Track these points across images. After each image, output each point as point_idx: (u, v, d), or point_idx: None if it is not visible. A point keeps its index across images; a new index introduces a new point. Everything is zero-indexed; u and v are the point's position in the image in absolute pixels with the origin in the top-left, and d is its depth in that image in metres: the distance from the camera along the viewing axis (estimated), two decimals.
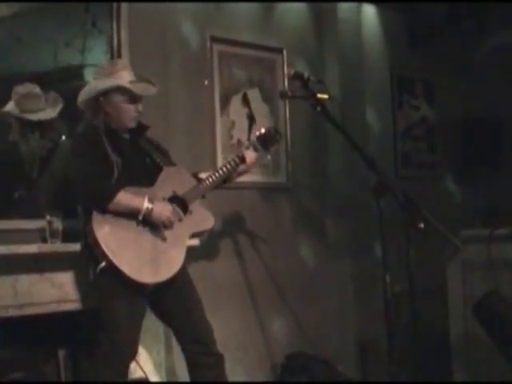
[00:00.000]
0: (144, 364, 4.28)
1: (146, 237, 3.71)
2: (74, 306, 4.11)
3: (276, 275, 5.32)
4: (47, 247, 3.98)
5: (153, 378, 4.31)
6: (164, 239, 3.75)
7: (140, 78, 3.88)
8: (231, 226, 5.14)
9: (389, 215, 3.24)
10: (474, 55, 6.76)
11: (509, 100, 6.52)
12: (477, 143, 6.75)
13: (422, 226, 3.12)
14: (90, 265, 3.70)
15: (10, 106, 4.17)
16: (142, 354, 4.27)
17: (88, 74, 4.64)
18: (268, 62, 5.54)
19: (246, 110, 5.35)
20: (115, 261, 3.56)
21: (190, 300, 3.90)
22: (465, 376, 4.81)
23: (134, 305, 3.69)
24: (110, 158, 3.71)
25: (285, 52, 5.62)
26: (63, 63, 4.45)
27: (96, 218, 3.60)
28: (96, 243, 3.58)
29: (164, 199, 3.79)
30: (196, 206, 3.92)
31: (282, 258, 5.41)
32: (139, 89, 3.81)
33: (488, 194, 6.51)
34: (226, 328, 4.71)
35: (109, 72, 3.83)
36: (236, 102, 5.31)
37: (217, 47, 5.00)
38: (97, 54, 4.62)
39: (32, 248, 3.91)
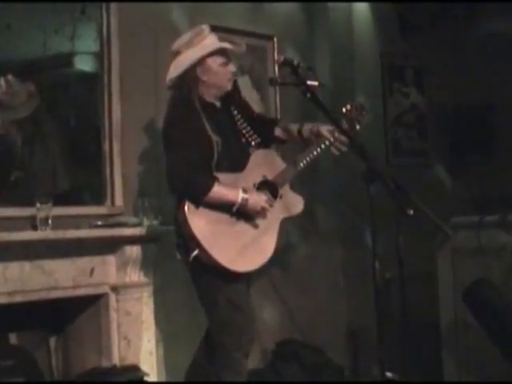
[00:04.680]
0: (134, 351, 4.30)
1: (239, 226, 3.70)
2: (64, 293, 4.11)
3: (266, 262, 5.31)
4: (37, 234, 3.98)
5: (143, 366, 4.32)
6: (256, 227, 3.75)
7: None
8: None
9: (379, 202, 3.25)
10: (464, 43, 6.76)
11: (499, 87, 6.53)
12: (467, 130, 6.75)
13: (412, 212, 3.13)
14: (183, 251, 3.68)
15: None
16: (132, 342, 4.29)
17: (78, 62, 4.63)
18: (258, 50, 5.53)
19: None
20: (211, 251, 3.55)
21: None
22: (454, 363, 4.83)
23: (233, 289, 3.70)
24: (210, 138, 3.68)
25: (275, 39, 5.61)
26: (53, 50, 4.43)
27: (190, 208, 3.58)
28: (190, 233, 3.56)
29: (255, 185, 3.78)
30: (285, 190, 3.90)
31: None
32: (237, 47, 3.86)
33: (478, 181, 6.52)
34: None
35: (197, 41, 3.80)
36: None
37: None
38: (86, 41, 4.60)
39: (22, 235, 3.91)
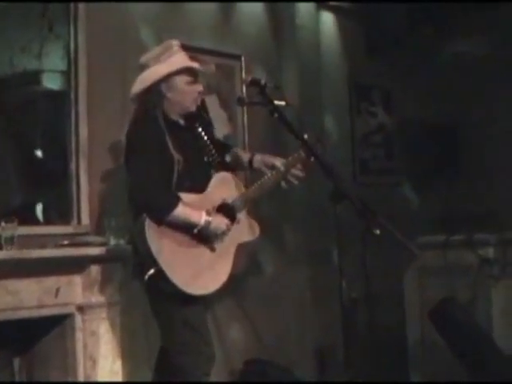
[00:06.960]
0: (100, 371, 4.26)
1: (197, 248, 3.67)
2: (29, 313, 4.06)
3: (234, 280, 5.31)
4: (2, 254, 3.92)
5: None
6: (213, 250, 3.72)
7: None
8: None
9: (346, 222, 3.26)
10: (430, 62, 6.82)
11: (465, 107, 6.59)
12: (434, 150, 6.81)
13: (378, 232, 3.14)
14: (139, 270, 3.63)
15: None
16: (98, 362, 4.25)
17: (45, 79, 4.60)
18: (226, 69, 5.54)
19: None
20: (167, 272, 3.50)
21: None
22: (421, 380, 4.85)
23: (189, 310, 3.67)
24: (171, 155, 3.64)
25: (243, 58, 5.63)
26: (19, 68, 4.40)
27: (150, 226, 3.53)
28: (148, 251, 3.51)
29: (214, 207, 3.74)
30: (243, 215, 3.88)
31: (240, 264, 5.39)
32: (206, 67, 3.85)
33: (445, 200, 6.57)
34: None
35: (165, 57, 3.77)
36: None
37: None
38: (54, 58, 4.57)
39: None
